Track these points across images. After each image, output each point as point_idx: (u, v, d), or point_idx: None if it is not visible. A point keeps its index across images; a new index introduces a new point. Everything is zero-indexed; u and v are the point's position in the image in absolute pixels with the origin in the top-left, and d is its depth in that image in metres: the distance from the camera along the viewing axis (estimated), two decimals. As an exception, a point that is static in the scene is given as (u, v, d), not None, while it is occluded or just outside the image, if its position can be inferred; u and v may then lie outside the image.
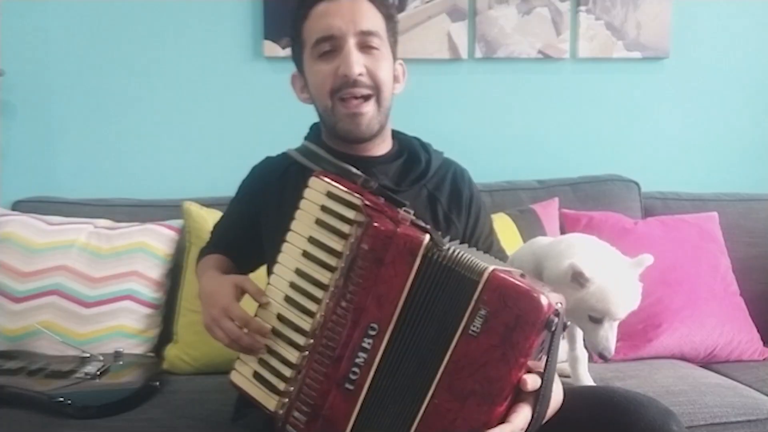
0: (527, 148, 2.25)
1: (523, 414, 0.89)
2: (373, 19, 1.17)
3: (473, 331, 0.88)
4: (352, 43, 1.15)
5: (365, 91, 1.16)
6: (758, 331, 1.87)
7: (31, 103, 2.06)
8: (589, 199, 2.08)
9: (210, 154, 2.12)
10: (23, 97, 2.06)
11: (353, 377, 0.93)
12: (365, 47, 1.16)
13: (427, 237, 0.94)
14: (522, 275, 0.92)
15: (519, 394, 0.89)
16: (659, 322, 1.78)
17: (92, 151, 2.09)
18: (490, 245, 1.29)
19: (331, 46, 1.15)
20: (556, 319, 0.87)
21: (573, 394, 1.03)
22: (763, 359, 1.83)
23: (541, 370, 0.90)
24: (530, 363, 0.90)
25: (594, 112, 2.28)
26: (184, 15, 2.09)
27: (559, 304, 0.90)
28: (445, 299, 0.91)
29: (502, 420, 0.88)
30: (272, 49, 2.06)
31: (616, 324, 1.25)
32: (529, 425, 0.89)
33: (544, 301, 0.87)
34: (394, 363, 0.93)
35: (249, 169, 1.36)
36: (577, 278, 1.23)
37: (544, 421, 0.95)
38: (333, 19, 1.14)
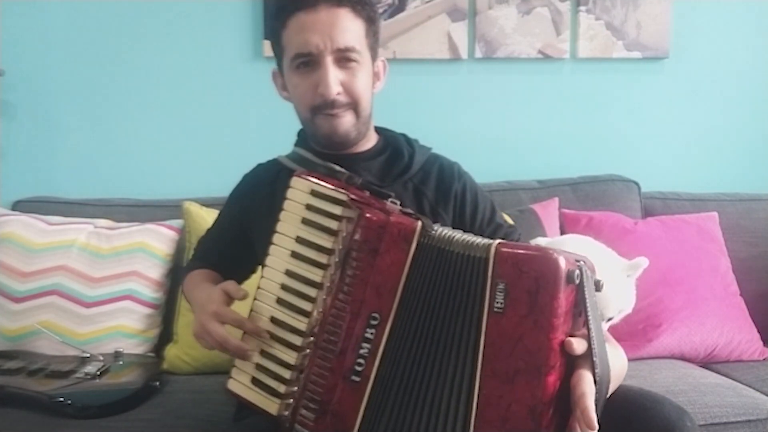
0: (527, 148, 2.25)
1: (587, 378, 0.85)
2: (352, 31, 1.15)
3: (498, 308, 0.86)
4: (329, 60, 1.14)
5: (343, 108, 1.17)
6: (758, 331, 1.87)
7: (31, 103, 2.06)
8: (589, 199, 2.08)
9: (210, 154, 2.12)
10: (23, 97, 2.06)
11: (359, 369, 0.93)
12: (343, 62, 1.15)
13: (420, 223, 0.94)
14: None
15: (572, 362, 0.86)
16: (659, 322, 1.78)
17: (92, 151, 2.09)
18: (495, 228, 1.27)
19: (309, 61, 1.15)
20: (577, 271, 0.85)
21: None
22: (763, 359, 1.83)
23: (583, 332, 0.87)
24: (577, 332, 0.87)
25: (594, 112, 2.27)
26: (184, 15, 2.09)
27: (582, 262, 0.88)
28: (452, 283, 0.91)
29: (558, 389, 0.85)
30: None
31: (604, 324, 1.25)
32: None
33: (558, 257, 0.85)
34: (400, 351, 0.92)
35: (249, 168, 1.36)
36: None
37: (615, 387, 0.91)
38: (311, 34, 1.13)
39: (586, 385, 0.84)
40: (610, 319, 1.26)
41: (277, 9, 1.19)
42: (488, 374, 0.86)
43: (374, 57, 1.22)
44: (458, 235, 0.93)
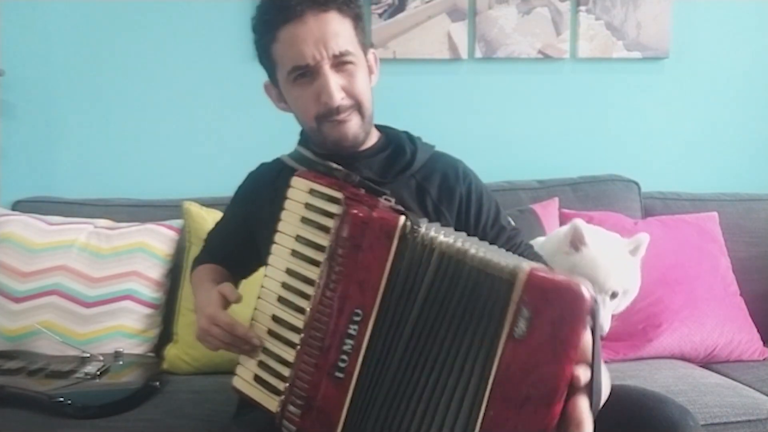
0: (527, 148, 2.25)
1: (585, 407, 0.86)
2: (342, 34, 1.14)
3: (519, 334, 0.86)
4: (327, 69, 1.13)
5: (348, 112, 1.17)
6: (758, 331, 1.87)
7: (31, 103, 2.06)
8: (589, 199, 2.08)
9: (210, 154, 2.12)
10: (23, 97, 2.06)
11: (342, 365, 0.93)
12: (340, 66, 1.15)
13: (403, 218, 0.93)
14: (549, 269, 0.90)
15: (572, 388, 0.87)
16: (659, 322, 1.78)
17: (92, 151, 2.09)
18: (499, 231, 1.26)
19: (307, 72, 1.14)
20: (595, 305, 0.86)
21: None
22: (763, 359, 1.83)
23: (589, 360, 0.88)
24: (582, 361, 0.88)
25: (594, 112, 2.27)
26: (184, 15, 2.09)
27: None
28: (464, 298, 0.90)
29: (560, 418, 0.86)
30: (272, 49, 2.05)
31: (609, 301, 1.25)
32: None
33: (584, 290, 0.85)
34: (387, 350, 0.92)
35: (249, 168, 1.37)
36: (577, 239, 1.26)
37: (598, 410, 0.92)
38: (304, 46, 1.12)
39: (583, 413, 0.85)
40: (614, 295, 1.25)
41: (263, 24, 1.18)
42: (497, 397, 0.87)
43: (365, 52, 1.22)
44: (482, 252, 0.91)
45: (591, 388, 0.87)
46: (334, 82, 1.14)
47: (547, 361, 0.85)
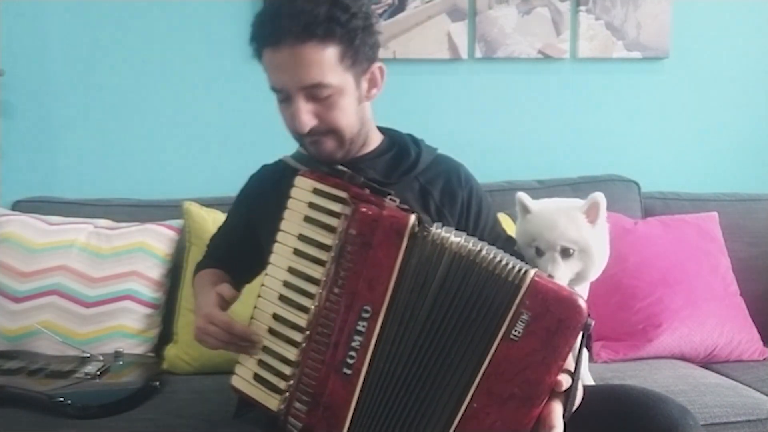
0: (527, 148, 2.25)
1: (559, 413, 0.91)
2: (318, 66, 1.08)
3: (515, 335, 0.90)
4: (298, 97, 1.11)
5: (322, 135, 1.15)
6: (758, 331, 1.87)
7: (31, 103, 2.06)
8: (589, 199, 2.08)
9: (210, 154, 2.12)
10: (23, 97, 2.05)
11: (350, 361, 0.94)
12: (314, 97, 1.11)
13: (413, 217, 0.95)
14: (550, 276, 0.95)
15: (552, 393, 0.92)
16: (659, 322, 1.78)
17: (92, 151, 2.09)
18: (496, 237, 1.28)
19: (283, 96, 1.14)
20: (590, 320, 0.90)
21: (589, 390, 1.05)
22: (763, 359, 1.83)
23: (571, 369, 0.92)
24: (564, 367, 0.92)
25: (594, 112, 2.27)
26: (185, 15, 2.09)
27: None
28: (471, 296, 0.92)
29: (537, 420, 0.91)
30: (272, 49, 2.05)
31: (560, 258, 1.29)
32: None
33: (582, 304, 0.89)
34: (395, 346, 0.94)
35: (249, 168, 1.36)
36: (523, 209, 1.36)
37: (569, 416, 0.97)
38: (278, 72, 1.11)
39: (556, 419, 0.91)
40: (565, 252, 1.28)
41: (250, 39, 1.17)
42: (483, 391, 0.91)
43: (363, 71, 1.16)
44: (492, 254, 0.94)
45: (568, 396, 0.92)
46: (305, 110, 1.11)
47: (536, 365, 0.89)
